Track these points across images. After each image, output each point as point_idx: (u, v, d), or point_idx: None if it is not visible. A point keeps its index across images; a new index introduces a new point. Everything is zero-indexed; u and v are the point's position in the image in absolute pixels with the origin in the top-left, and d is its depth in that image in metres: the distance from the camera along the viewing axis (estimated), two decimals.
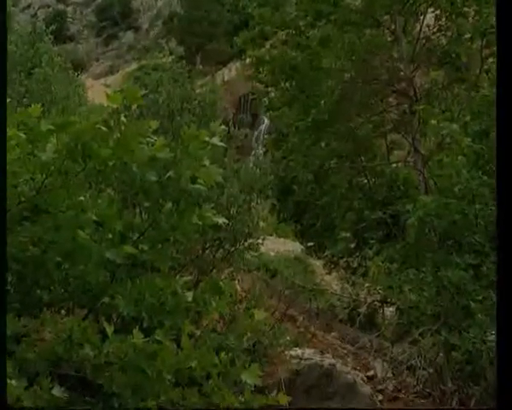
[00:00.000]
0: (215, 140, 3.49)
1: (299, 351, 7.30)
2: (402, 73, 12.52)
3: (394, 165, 14.06)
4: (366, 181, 13.81)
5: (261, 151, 30.43)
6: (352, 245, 14.00)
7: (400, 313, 8.98)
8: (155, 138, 3.43)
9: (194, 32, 56.84)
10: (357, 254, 13.98)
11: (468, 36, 12.45)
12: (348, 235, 13.81)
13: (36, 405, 2.95)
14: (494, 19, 9.75)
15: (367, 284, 11.46)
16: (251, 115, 48.05)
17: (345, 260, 14.47)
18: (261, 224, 7.01)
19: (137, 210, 3.78)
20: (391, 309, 10.51)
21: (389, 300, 9.75)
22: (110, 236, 3.48)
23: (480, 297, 7.10)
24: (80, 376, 3.21)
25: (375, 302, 10.58)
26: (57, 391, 3.04)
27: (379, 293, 10.19)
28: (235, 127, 7.90)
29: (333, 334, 9.97)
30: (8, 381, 2.85)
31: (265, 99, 15.06)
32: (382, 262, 11.08)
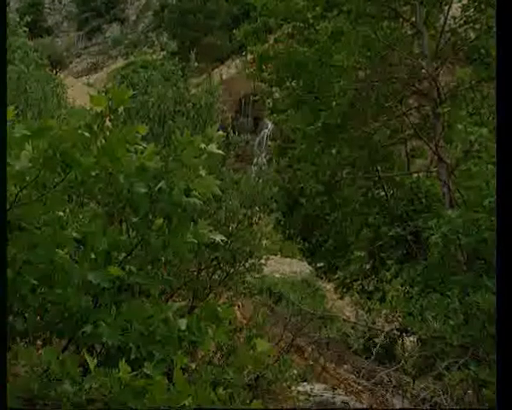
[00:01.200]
0: (212, 147, 3.51)
1: (307, 386, 7.31)
2: (424, 71, 12.54)
3: (415, 175, 14.05)
4: (383, 193, 13.82)
5: (264, 159, 30.53)
6: (368, 266, 13.99)
7: (422, 343, 8.96)
8: (144, 145, 3.44)
9: (189, 24, 57.11)
10: (374, 276, 13.96)
11: None
12: (363, 254, 13.81)
13: None
14: None
15: (384, 311, 11.43)
16: (252, 119, 48.22)
17: (359, 282, 14.46)
18: (264, 242, 7.02)
19: (124, 226, 3.78)
20: (412, 339, 10.49)
21: (410, 328, 9.72)
22: (93, 256, 3.49)
23: None
24: None
25: (394, 331, 10.56)
26: None
27: (398, 321, 10.17)
28: (234, 132, 7.92)
29: (346, 367, 9.97)
30: None
31: (269, 100, 15.08)
32: (402, 285, 11.06)
